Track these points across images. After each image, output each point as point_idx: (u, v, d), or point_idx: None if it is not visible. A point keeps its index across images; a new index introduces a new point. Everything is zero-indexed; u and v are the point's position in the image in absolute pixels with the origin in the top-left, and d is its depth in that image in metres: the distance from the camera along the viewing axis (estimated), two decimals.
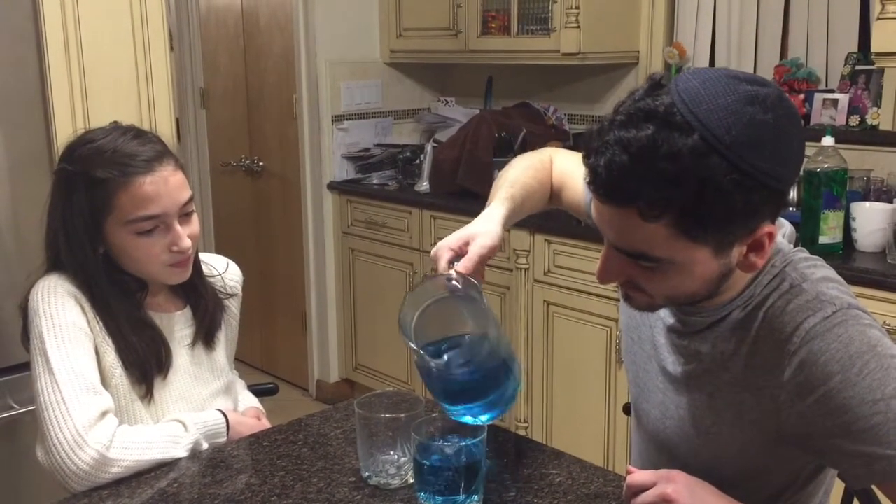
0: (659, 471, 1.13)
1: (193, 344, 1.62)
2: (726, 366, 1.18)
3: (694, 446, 1.25)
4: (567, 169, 1.49)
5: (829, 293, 1.11)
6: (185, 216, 1.52)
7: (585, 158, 1.05)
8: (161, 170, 1.48)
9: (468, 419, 1.24)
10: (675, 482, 1.10)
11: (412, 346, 1.18)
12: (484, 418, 1.24)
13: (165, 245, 1.49)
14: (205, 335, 1.64)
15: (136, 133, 1.52)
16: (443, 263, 1.28)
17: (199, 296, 1.64)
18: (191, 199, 1.53)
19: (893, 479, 1.06)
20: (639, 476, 1.12)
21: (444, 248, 1.30)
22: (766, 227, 1.06)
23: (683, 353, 1.24)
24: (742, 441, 1.19)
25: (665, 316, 1.27)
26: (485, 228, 1.32)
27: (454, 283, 1.23)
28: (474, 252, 1.27)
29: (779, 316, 1.12)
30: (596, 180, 1.03)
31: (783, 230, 1.24)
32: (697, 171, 0.97)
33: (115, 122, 1.57)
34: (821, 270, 1.16)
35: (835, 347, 1.07)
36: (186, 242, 1.51)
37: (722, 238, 1.04)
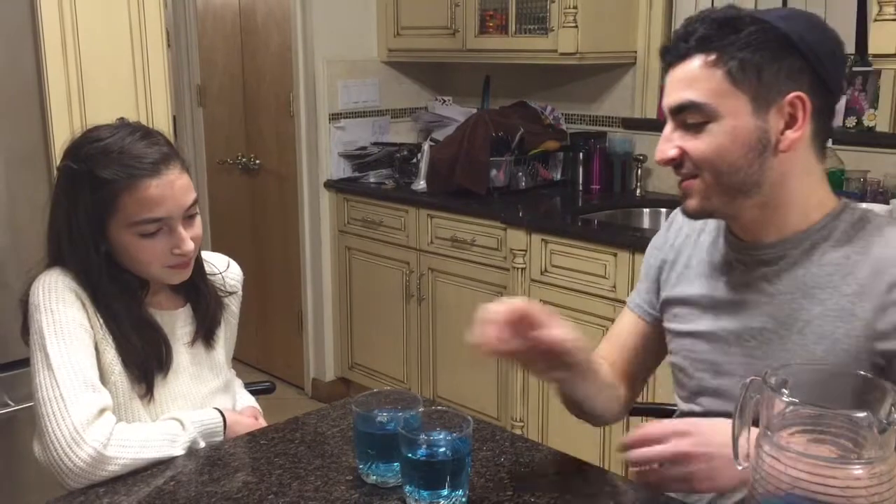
0: (669, 423, 1.20)
1: (193, 342, 1.62)
2: (817, 299, 1.23)
3: None
4: (601, 347, 1.57)
5: None
6: (188, 218, 1.51)
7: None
8: (167, 173, 1.47)
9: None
10: (690, 436, 1.14)
11: None
12: None
13: (168, 247, 1.49)
14: (205, 333, 1.64)
15: (144, 133, 1.51)
16: None
17: (200, 294, 1.63)
18: (195, 202, 1.52)
19: None
20: (650, 429, 1.18)
21: None
22: (799, 93, 1.21)
23: (771, 300, 1.28)
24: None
25: (750, 269, 1.31)
26: None
27: None
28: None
29: (882, 247, 1.20)
30: (669, 47, 1.28)
31: None
32: (743, 27, 1.21)
33: (122, 118, 1.55)
34: None
35: None
36: (189, 245, 1.50)
37: (758, 90, 1.20)
